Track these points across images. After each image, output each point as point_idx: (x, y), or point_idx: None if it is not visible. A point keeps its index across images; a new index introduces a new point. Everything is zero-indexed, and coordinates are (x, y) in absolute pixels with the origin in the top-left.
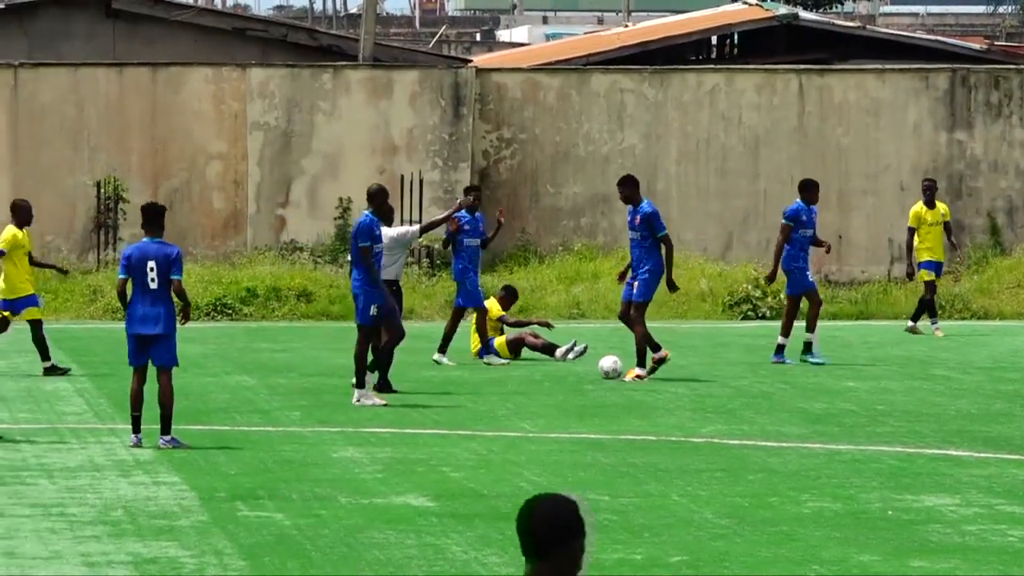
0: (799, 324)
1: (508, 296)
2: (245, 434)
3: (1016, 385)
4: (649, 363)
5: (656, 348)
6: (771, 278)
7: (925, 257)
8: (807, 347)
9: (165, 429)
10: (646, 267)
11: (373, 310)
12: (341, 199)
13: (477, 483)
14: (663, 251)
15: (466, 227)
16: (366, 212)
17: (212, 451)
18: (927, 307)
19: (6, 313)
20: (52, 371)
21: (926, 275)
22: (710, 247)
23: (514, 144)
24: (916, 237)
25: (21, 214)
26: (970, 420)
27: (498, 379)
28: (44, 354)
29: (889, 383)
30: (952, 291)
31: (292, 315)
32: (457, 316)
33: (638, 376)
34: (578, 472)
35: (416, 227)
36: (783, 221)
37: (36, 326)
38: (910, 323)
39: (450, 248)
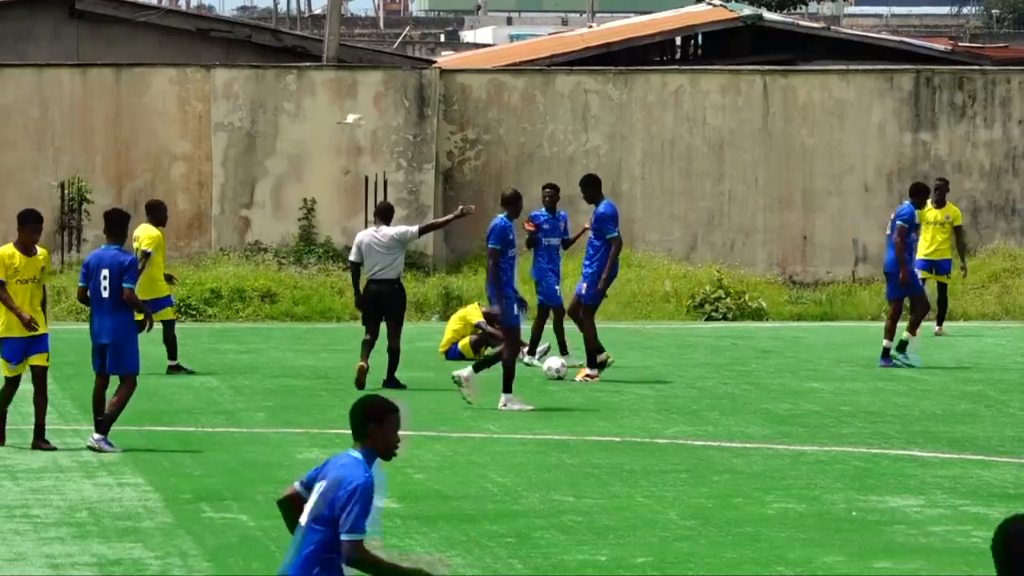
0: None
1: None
2: (210, 435)
3: (980, 386)
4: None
5: (599, 351)
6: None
7: (920, 255)
8: (902, 345)
9: (100, 428)
10: (595, 267)
11: (516, 309)
12: (305, 200)
13: (442, 485)
14: (611, 252)
15: (545, 226)
16: (501, 216)
17: (176, 453)
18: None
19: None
20: (177, 370)
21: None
22: (675, 248)
23: (479, 145)
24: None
25: (157, 213)
26: (935, 421)
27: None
28: (172, 353)
29: (854, 384)
30: None
31: (256, 316)
32: (543, 315)
33: (588, 376)
34: (543, 473)
35: (416, 228)
36: (899, 223)
37: (169, 325)
38: (936, 327)
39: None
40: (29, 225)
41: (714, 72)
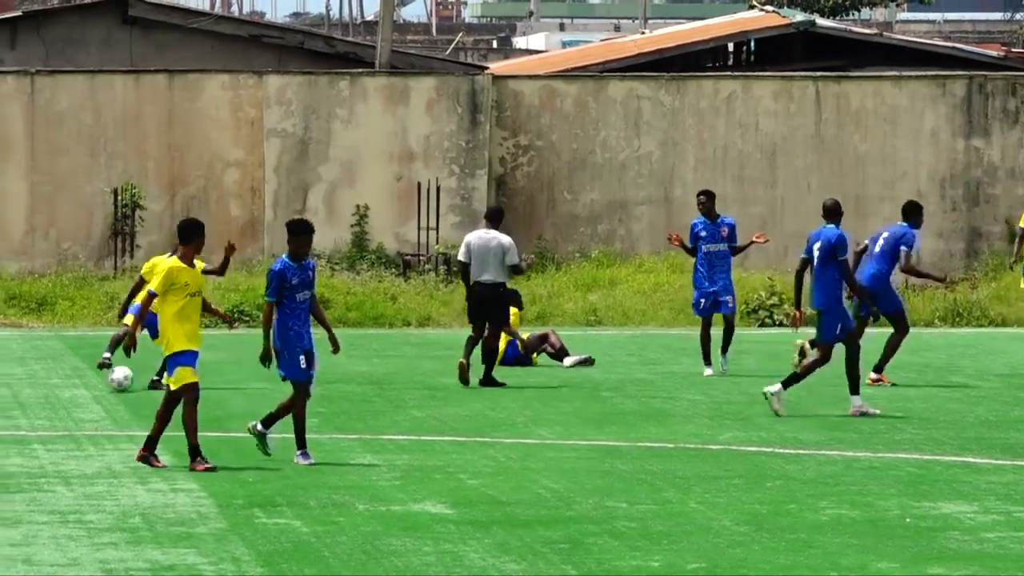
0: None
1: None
2: None
3: None
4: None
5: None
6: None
7: None
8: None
9: (266, 423)
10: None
11: (838, 328)
12: (358, 206)
13: (495, 490)
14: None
15: (702, 233)
16: (831, 226)
17: (230, 458)
18: None
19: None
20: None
21: None
22: None
23: (531, 151)
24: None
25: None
26: (988, 427)
27: (515, 386)
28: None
29: (907, 390)
30: (969, 298)
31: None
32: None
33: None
34: (596, 479)
35: (515, 260)
36: (904, 249)
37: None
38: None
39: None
40: (197, 239)
41: (766, 78)
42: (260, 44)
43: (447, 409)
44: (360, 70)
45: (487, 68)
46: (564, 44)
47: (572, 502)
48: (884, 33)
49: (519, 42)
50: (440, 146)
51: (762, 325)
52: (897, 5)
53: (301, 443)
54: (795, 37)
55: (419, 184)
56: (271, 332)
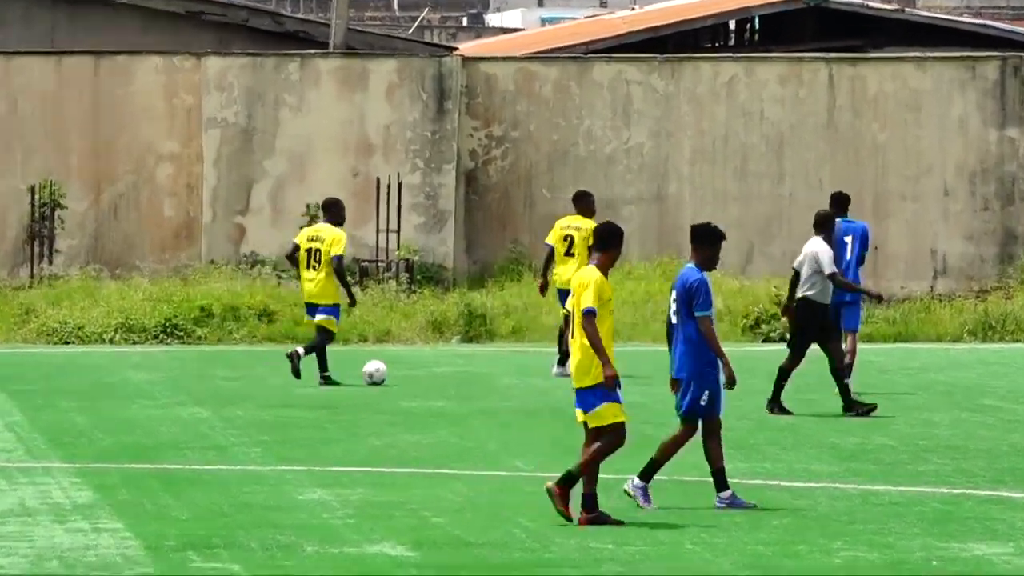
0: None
1: None
2: (198, 474)
3: None
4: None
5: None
6: None
7: None
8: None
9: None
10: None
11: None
12: (308, 206)
13: (463, 529)
14: None
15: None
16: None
17: (160, 493)
18: None
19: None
20: (328, 382)
21: None
22: (728, 259)
23: (506, 143)
24: None
25: (337, 212)
26: None
27: (488, 409)
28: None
29: (933, 414)
30: (1003, 310)
31: (252, 338)
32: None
33: None
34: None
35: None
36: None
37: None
38: None
39: None
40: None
41: (773, 60)
42: (198, 22)
43: (409, 436)
44: (312, 51)
45: (456, 49)
46: (543, 21)
47: (551, 543)
48: (906, 9)
49: (492, 19)
50: (402, 137)
51: (765, 340)
52: None
53: (721, 486)
54: (805, 13)
55: (378, 180)
56: (719, 348)
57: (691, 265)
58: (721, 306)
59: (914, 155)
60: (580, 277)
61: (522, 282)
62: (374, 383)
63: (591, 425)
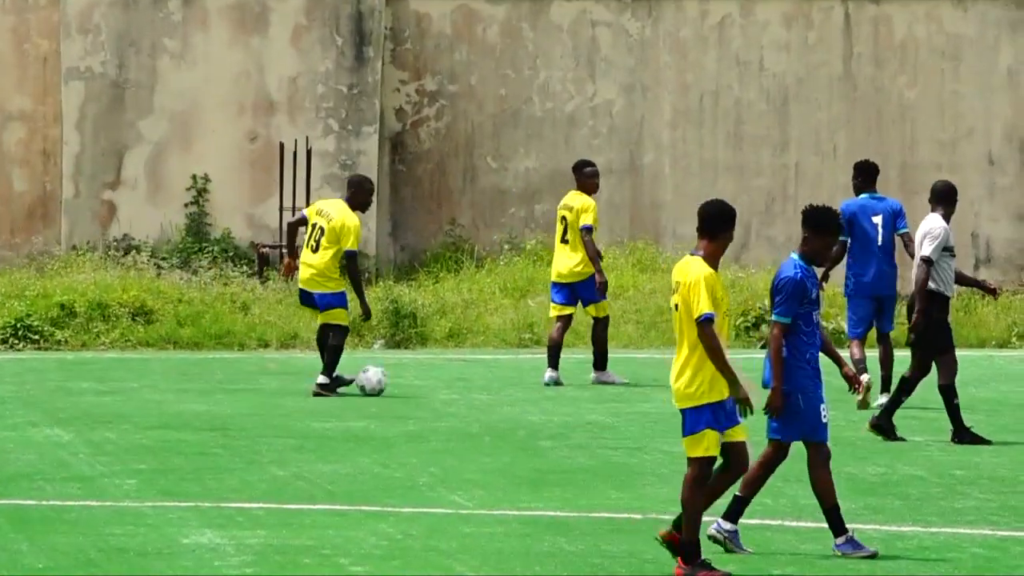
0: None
1: None
2: (57, 511)
3: None
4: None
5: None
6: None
7: None
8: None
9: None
10: None
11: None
12: (195, 177)
13: None
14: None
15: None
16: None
17: (10, 535)
18: None
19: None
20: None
21: None
22: None
23: (441, 99)
24: None
25: (360, 193)
26: None
27: (418, 432)
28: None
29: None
30: None
31: (125, 343)
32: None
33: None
34: (532, 565)
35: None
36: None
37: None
38: None
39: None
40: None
41: None
42: None
43: (321, 466)
44: None
45: None
46: None
47: None
48: None
49: None
50: (312, 93)
51: (765, 346)
52: None
53: (839, 528)
54: None
55: (281, 146)
56: (779, 367)
57: (795, 256)
58: None
59: (951, 116)
60: (683, 272)
61: (461, 274)
62: (374, 394)
63: (687, 454)
